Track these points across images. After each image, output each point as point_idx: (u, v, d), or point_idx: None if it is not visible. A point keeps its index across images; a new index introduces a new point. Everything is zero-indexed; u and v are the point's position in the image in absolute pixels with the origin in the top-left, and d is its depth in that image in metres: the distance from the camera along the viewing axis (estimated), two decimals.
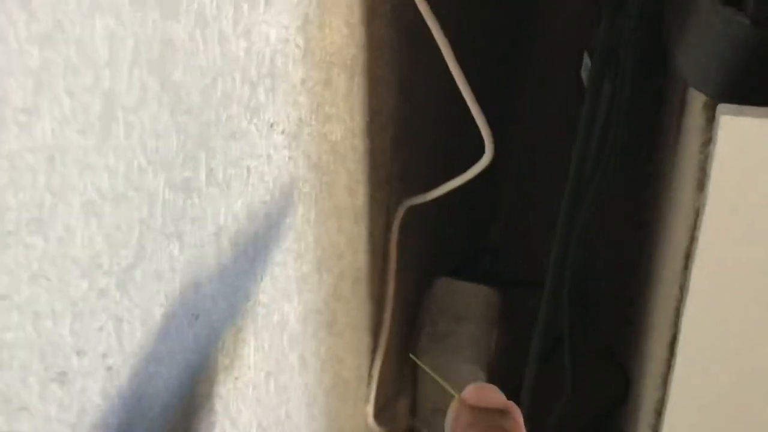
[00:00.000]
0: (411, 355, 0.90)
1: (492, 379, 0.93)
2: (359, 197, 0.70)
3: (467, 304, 0.95)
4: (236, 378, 0.52)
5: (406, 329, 0.94)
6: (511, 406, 0.41)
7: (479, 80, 0.80)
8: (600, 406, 0.98)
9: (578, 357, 0.88)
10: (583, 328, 1.06)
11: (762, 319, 0.50)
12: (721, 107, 0.46)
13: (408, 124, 0.80)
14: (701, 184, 0.48)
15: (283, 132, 0.53)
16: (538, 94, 1.23)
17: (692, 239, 0.50)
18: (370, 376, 0.81)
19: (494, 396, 0.41)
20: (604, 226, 0.83)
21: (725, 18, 0.49)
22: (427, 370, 0.88)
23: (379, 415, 0.85)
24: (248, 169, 0.49)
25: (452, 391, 0.90)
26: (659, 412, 0.56)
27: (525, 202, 1.28)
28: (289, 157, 0.55)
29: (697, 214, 0.49)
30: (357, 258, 0.72)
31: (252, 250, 0.51)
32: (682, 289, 0.51)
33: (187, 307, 0.44)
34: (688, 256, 0.51)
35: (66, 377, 0.35)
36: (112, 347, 0.38)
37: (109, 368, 0.38)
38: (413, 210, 0.82)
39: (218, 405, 0.50)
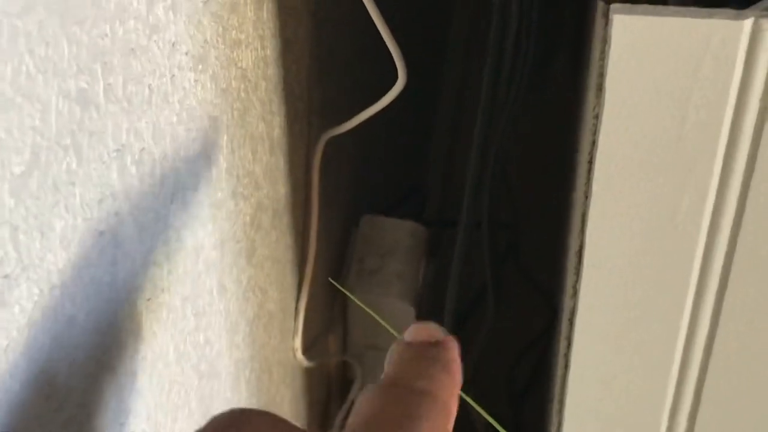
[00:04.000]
0: (343, 289, 0.91)
1: (420, 313, 0.94)
2: (275, 128, 0.70)
3: (394, 239, 0.96)
4: (149, 299, 0.52)
5: (334, 266, 0.94)
6: (449, 339, 0.41)
7: (400, 10, 0.80)
8: (525, 336, 0.99)
9: (502, 288, 0.89)
10: (512, 261, 1.07)
11: (661, 217, 0.52)
12: (614, 7, 0.46)
13: (326, 57, 0.80)
14: (600, 88, 0.49)
15: (187, 53, 0.53)
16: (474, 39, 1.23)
17: (593, 144, 0.51)
18: (296, 309, 0.81)
19: (433, 331, 0.41)
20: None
21: None
22: (359, 303, 0.89)
23: (308, 350, 0.85)
24: (150, 87, 0.49)
25: (387, 326, 0.91)
26: (572, 321, 0.57)
27: (457, 146, 1.29)
28: (195, 80, 0.55)
29: (597, 118, 0.50)
30: (276, 189, 0.72)
31: (159, 171, 0.51)
32: (587, 195, 0.52)
33: (90, 221, 0.44)
34: (591, 162, 0.52)
35: None
36: (8, 255, 0.38)
37: (5, 276, 0.38)
38: (336, 145, 0.83)
39: (130, 324, 0.50)
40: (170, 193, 0.53)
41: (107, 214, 0.46)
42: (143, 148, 0.49)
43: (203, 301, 0.60)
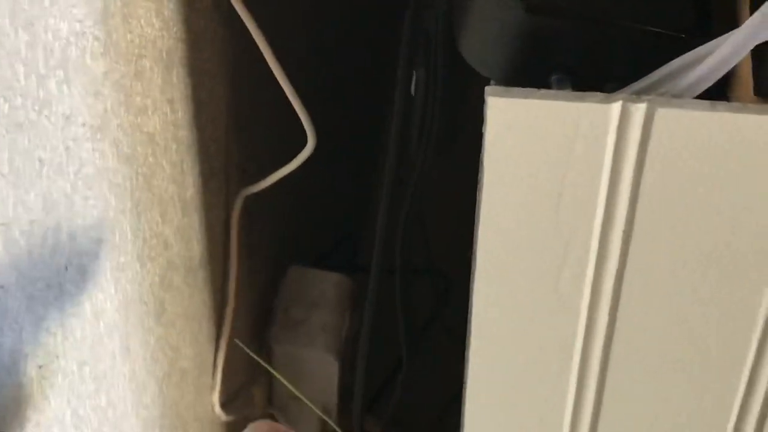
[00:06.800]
0: (246, 349, 0.91)
1: (344, 365, 0.95)
2: (188, 188, 0.71)
3: (320, 291, 0.96)
4: (40, 366, 0.52)
5: (260, 318, 0.95)
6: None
7: (310, 73, 0.82)
8: (445, 387, 1.00)
9: (416, 336, 0.90)
10: (440, 308, 1.08)
11: (544, 289, 0.53)
12: (489, 88, 0.48)
13: (244, 115, 0.82)
14: (482, 164, 0.51)
15: (83, 124, 0.54)
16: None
17: (477, 218, 0.52)
18: (214, 364, 0.82)
19: (274, 427, 0.44)
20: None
21: (501, 4, 0.51)
22: (264, 363, 0.89)
23: (230, 403, 0.86)
24: (41, 160, 0.50)
25: (296, 392, 0.91)
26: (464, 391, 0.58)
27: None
28: (94, 149, 0.55)
29: (479, 192, 0.51)
30: (189, 248, 0.73)
31: (52, 241, 0.52)
32: (473, 268, 0.54)
33: None
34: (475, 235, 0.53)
35: None
36: None
37: None
38: (258, 198, 0.84)
39: (19, 392, 0.50)
40: (64, 262, 0.54)
41: None
42: (33, 220, 0.50)
43: (104, 365, 0.60)
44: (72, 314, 0.55)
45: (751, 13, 0.48)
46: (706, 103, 0.47)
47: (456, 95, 0.72)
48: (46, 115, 0.50)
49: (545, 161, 0.49)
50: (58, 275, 0.53)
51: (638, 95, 0.47)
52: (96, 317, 0.58)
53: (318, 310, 0.96)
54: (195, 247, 0.74)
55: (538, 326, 0.55)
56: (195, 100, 0.70)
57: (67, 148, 0.52)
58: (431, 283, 1.08)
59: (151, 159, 0.64)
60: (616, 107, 0.47)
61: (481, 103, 0.49)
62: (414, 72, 0.69)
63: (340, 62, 1.01)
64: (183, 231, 0.71)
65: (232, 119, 0.78)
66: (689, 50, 0.49)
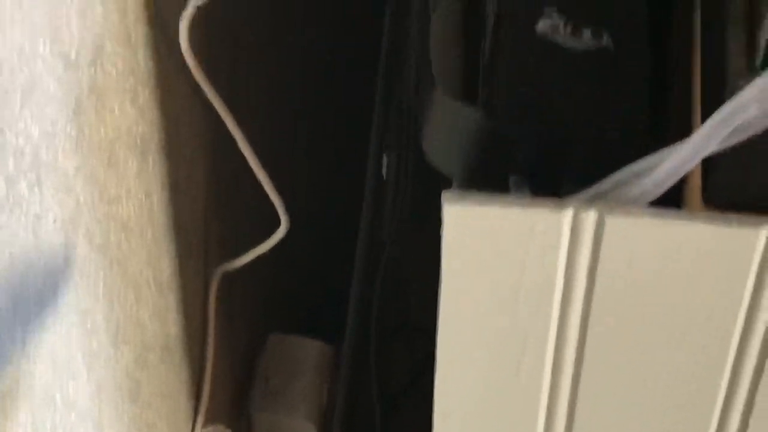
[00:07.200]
0: None
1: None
2: (164, 269, 0.72)
3: (300, 359, 0.98)
4: None
5: (240, 387, 0.96)
6: None
7: (286, 151, 0.83)
8: None
9: (390, 399, 0.91)
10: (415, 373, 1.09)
11: (505, 376, 0.55)
12: (445, 194, 0.49)
13: (223, 195, 0.83)
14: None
15: (55, 221, 0.55)
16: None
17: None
18: None
19: None
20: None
21: (460, 112, 0.53)
22: None
23: None
24: (11, 255, 0.51)
25: None
26: None
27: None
28: (64, 244, 0.56)
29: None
30: (165, 328, 0.74)
31: (21, 335, 0.53)
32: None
33: None
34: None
35: None
36: None
37: None
38: (237, 271, 0.85)
39: None
40: (33, 354, 0.55)
41: None
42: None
43: None
44: (42, 405, 0.56)
45: (703, 121, 0.49)
46: (655, 210, 0.48)
47: (427, 176, 0.73)
48: (16, 216, 0.51)
49: (502, 263, 0.50)
50: (29, 363, 0.54)
51: (590, 202, 0.49)
52: (67, 408, 0.59)
53: (298, 377, 0.97)
54: (172, 325, 0.75)
55: (500, 411, 0.56)
56: (172, 185, 0.71)
57: (36, 246, 0.53)
58: (410, 345, 1.09)
59: (124, 245, 0.65)
60: (568, 214, 0.49)
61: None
62: (384, 155, 0.71)
63: (318, 137, 1.03)
64: (159, 312, 0.72)
65: (210, 200, 0.80)
66: (645, 153, 0.51)
